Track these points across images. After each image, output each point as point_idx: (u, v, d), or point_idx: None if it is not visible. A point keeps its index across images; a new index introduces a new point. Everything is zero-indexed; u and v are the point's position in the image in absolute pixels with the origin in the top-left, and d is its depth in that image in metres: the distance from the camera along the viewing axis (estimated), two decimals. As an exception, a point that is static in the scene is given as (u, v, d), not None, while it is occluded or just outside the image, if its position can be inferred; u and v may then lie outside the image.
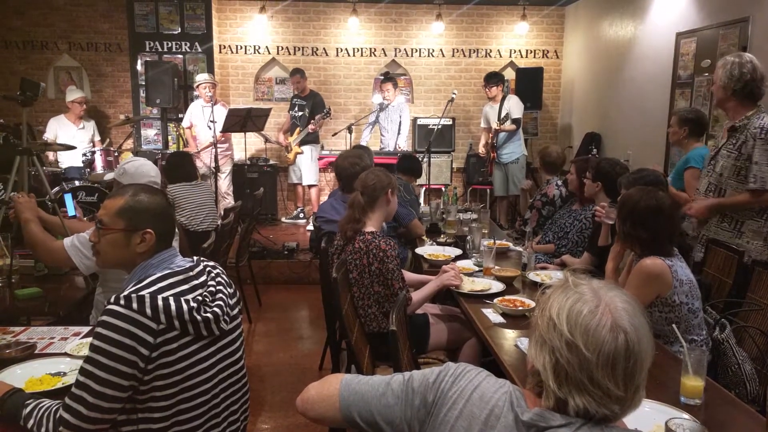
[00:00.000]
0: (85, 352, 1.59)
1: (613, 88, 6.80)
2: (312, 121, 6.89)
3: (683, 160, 3.85)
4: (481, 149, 7.08)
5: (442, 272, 2.97)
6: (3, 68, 7.52)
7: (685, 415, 1.69)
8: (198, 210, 4.66)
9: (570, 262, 3.49)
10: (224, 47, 7.89)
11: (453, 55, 8.16)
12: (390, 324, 2.04)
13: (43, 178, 3.81)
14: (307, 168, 7.13)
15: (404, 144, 7.32)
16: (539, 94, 7.77)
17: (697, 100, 5.07)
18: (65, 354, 2.05)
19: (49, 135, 6.48)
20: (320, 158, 7.33)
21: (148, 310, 1.51)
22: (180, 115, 7.35)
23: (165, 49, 7.51)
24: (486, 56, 8.19)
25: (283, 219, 7.66)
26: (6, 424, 1.60)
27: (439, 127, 7.18)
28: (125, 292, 1.54)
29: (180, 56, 7.52)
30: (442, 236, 4.23)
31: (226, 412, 1.72)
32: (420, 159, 5.62)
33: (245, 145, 7.13)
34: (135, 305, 1.51)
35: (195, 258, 1.76)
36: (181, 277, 1.64)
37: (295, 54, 7.96)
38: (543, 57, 8.25)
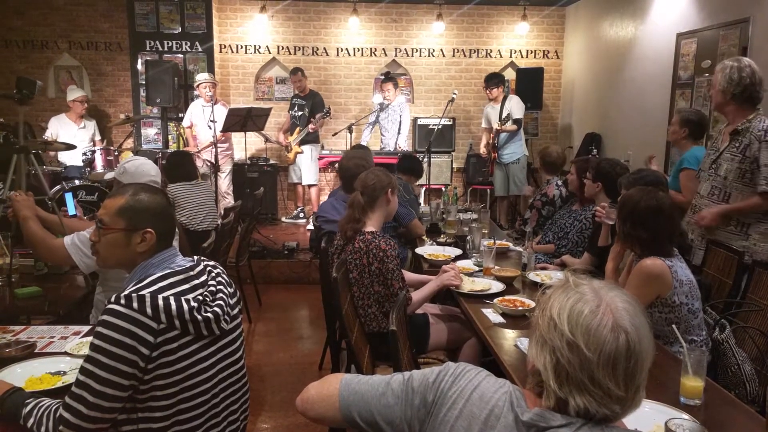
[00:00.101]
0: (85, 351, 1.59)
1: (614, 88, 6.80)
2: (312, 120, 6.89)
3: (679, 161, 3.87)
4: (483, 149, 7.08)
5: (442, 272, 2.97)
6: (3, 67, 7.52)
7: (685, 416, 1.69)
8: (198, 209, 4.66)
9: (570, 263, 3.49)
10: (224, 47, 7.89)
11: (453, 55, 8.16)
12: (390, 324, 2.04)
13: (41, 176, 3.80)
14: (307, 168, 7.13)
15: (404, 144, 7.32)
16: (539, 95, 7.77)
17: (698, 101, 5.07)
18: (65, 353, 2.05)
19: (49, 134, 6.48)
20: (320, 158, 7.33)
21: (149, 310, 1.51)
22: (180, 115, 7.36)
23: (165, 49, 7.51)
24: (486, 56, 8.19)
25: (283, 219, 7.66)
26: (6, 423, 1.60)
27: (440, 127, 7.18)
28: (126, 292, 1.54)
29: (180, 56, 7.52)
30: (442, 236, 4.23)
31: (226, 411, 1.72)
32: (420, 159, 5.62)
33: (245, 145, 7.13)
34: (135, 305, 1.51)
35: (195, 257, 1.76)
36: (181, 276, 1.64)
37: (295, 54, 7.96)
38: (543, 57, 8.25)
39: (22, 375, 1.88)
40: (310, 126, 6.89)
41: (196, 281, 1.66)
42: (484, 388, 1.22)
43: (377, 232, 2.85)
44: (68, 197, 5.09)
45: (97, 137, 6.93)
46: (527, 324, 2.44)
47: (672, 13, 5.57)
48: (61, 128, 6.58)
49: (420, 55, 8.14)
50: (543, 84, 7.80)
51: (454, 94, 6.70)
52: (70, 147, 5.04)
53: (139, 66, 7.48)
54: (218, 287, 1.70)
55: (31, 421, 1.54)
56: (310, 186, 7.26)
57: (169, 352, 1.53)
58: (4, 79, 7.51)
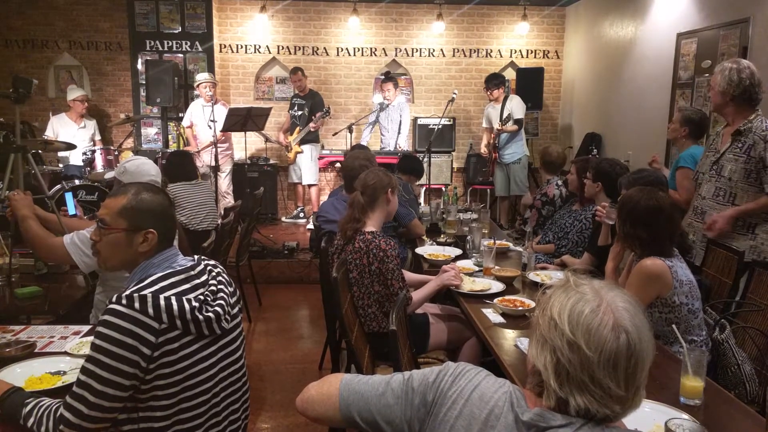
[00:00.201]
0: (85, 350, 1.59)
1: (614, 88, 6.80)
2: (313, 118, 6.89)
3: (676, 159, 3.88)
4: (483, 149, 7.07)
5: (442, 272, 2.98)
6: (3, 67, 7.52)
7: (685, 416, 1.69)
8: (198, 209, 4.66)
9: (570, 262, 3.49)
10: (225, 46, 7.89)
11: (453, 55, 8.16)
12: (390, 324, 2.04)
13: (39, 176, 3.81)
14: (307, 167, 7.13)
15: (404, 144, 7.33)
16: (540, 95, 7.77)
17: (698, 101, 5.07)
18: (65, 353, 2.05)
19: (49, 133, 6.48)
20: (320, 158, 7.33)
21: (150, 310, 1.51)
22: (180, 115, 7.36)
23: (165, 48, 7.51)
24: (486, 56, 8.19)
25: (283, 218, 7.66)
26: (6, 423, 1.60)
27: (440, 127, 7.18)
28: (127, 292, 1.54)
29: (180, 55, 7.52)
30: (442, 236, 4.23)
31: (227, 410, 1.72)
32: (420, 159, 5.62)
33: (245, 145, 7.13)
34: (137, 304, 1.51)
35: (196, 257, 1.76)
36: (182, 276, 1.64)
37: (295, 53, 7.96)
38: (543, 57, 8.25)
39: (22, 375, 1.88)
40: (311, 125, 6.89)
41: (197, 281, 1.66)
42: (484, 388, 1.22)
43: (377, 232, 2.85)
44: (68, 197, 5.09)
45: (98, 137, 6.94)
46: (527, 324, 2.44)
47: (672, 13, 5.57)
48: (61, 128, 6.59)
49: (420, 55, 8.14)
50: (543, 84, 7.80)
51: (454, 94, 6.71)
52: (70, 146, 5.04)
53: (139, 66, 7.48)
54: (219, 287, 1.70)
55: (32, 420, 1.53)
56: (310, 186, 7.27)
57: (171, 351, 1.53)
58: (3, 79, 7.51)
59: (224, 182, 7.03)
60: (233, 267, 4.88)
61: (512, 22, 8.08)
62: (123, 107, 7.78)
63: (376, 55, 8.08)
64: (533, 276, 3.13)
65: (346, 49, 8.03)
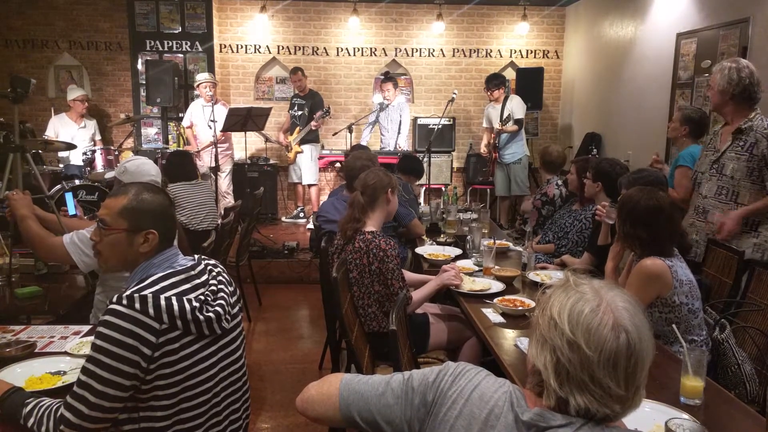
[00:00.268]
0: (85, 350, 1.59)
1: (614, 88, 6.80)
2: (314, 117, 6.90)
3: (676, 158, 3.89)
4: (483, 149, 7.07)
5: (442, 272, 2.98)
6: (3, 67, 7.52)
7: (685, 416, 1.69)
8: (198, 209, 4.66)
9: (570, 262, 3.49)
10: (225, 46, 7.89)
11: (453, 55, 8.16)
12: (390, 323, 2.04)
13: (38, 176, 3.80)
14: (308, 167, 7.13)
15: (404, 144, 7.33)
16: (540, 95, 7.77)
17: (697, 101, 5.07)
18: (65, 353, 2.05)
19: (49, 133, 6.48)
20: (320, 158, 7.33)
21: (151, 310, 1.51)
22: (180, 114, 7.36)
23: (165, 48, 7.51)
24: (486, 56, 8.19)
25: (284, 218, 7.67)
26: (6, 423, 1.60)
27: (440, 126, 7.18)
28: (127, 292, 1.54)
29: (180, 55, 7.52)
30: (442, 236, 4.23)
31: (228, 410, 1.72)
32: (420, 159, 5.62)
33: (245, 145, 7.13)
34: (137, 305, 1.51)
35: (196, 257, 1.76)
36: (182, 276, 1.64)
37: (295, 53, 7.96)
38: (543, 57, 8.25)
39: (22, 375, 1.88)
40: (313, 123, 6.90)
41: (197, 281, 1.66)
42: (483, 388, 1.22)
43: (377, 232, 2.85)
44: (68, 197, 5.09)
45: (98, 137, 6.94)
46: (527, 324, 2.45)
47: (672, 13, 5.57)
48: (61, 128, 6.59)
49: (420, 55, 8.14)
50: (543, 84, 7.80)
51: (454, 93, 6.70)
52: (70, 146, 5.04)
53: (140, 66, 7.48)
54: (219, 287, 1.70)
55: (32, 420, 1.53)
56: (310, 186, 7.27)
57: (171, 352, 1.53)
58: (3, 79, 7.51)
59: (224, 182, 7.03)
60: (233, 267, 4.88)
61: (512, 22, 8.08)
62: (123, 107, 7.78)
63: (376, 55, 8.08)
64: (533, 276, 3.13)
65: (346, 49, 8.03)
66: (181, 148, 7.04)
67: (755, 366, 2.38)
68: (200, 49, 7.51)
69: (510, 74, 8.06)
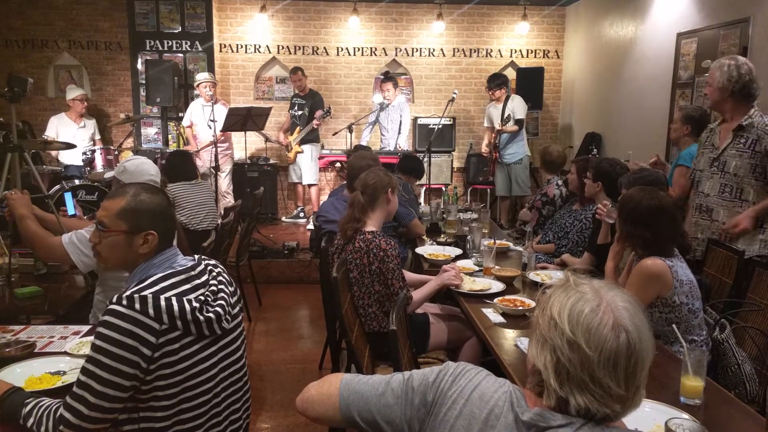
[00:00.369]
0: (85, 350, 1.59)
1: (614, 88, 6.80)
2: (315, 116, 6.90)
3: (677, 158, 3.90)
4: (484, 149, 7.07)
5: (442, 272, 2.97)
6: (3, 67, 7.51)
7: (685, 415, 1.69)
8: (198, 209, 4.66)
9: (570, 262, 3.49)
10: (225, 46, 7.89)
11: (454, 55, 8.16)
12: (390, 323, 2.04)
13: (37, 175, 3.80)
14: (308, 167, 7.13)
15: (405, 144, 7.33)
16: (540, 94, 7.77)
17: (698, 100, 5.06)
18: (65, 353, 2.05)
19: (49, 133, 6.48)
20: (320, 157, 7.33)
21: (151, 311, 1.51)
22: (180, 114, 7.36)
23: (165, 48, 7.51)
24: (487, 56, 8.19)
25: (284, 218, 7.66)
26: (6, 423, 1.59)
27: (440, 126, 7.18)
28: (127, 293, 1.54)
29: (180, 55, 7.52)
30: (442, 236, 4.23)
31: (228, 410, 1.71)
32: (420, 159, 5.61)
33: (245, 144, 7.13)
34: (137, 305, 1.50)
35: (196, 257, 1.76)
36: (183, 276, 1.64)
37: (295, 53, 7.96)
38: (544, 57, 8.25)
39: (21, 375, 1.88)
40: (314, 122, 6.90)
41: (198, 281, 1.66)
42: (484, 388, 1.22)
43: (377, 232, 2.85)
44: (67, 197, 5.09)
45: (97, 136, 6.93)
46: (527, 323, 2.44)
47: (672, 13, 5.57)
48: (61, 128, 6.58)
49: (420, 55, 8.13)
50: (543, 84, 7.80)
51: (455, 93, 6.70)
52: (69, 146, 5.04)
53: (139, 65, 7.48)
54: (219, 287, 1.70)
55: (31, 420, 1.53)
56: (310, 185, 7.26)
57: (171, 352, 1.53)
58: (3, 79, 7.50)
59: (224, 182, 7.03)
60: (233, 267, 4.88)
61: (512, 21, 8.08)
62: (123, 107, 7.78)
63: (376, 54, 8.08)
64: (533, 276, 3.13)
65: (346, 48, 8.03)
66: (180, 148, 7.03)
67: (755, 366, 2.38)
68: (200, 49, 7.50)
69: (510, 74, 8.05)
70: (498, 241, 3.50)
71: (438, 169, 7.47)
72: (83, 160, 6.17)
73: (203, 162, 6.74)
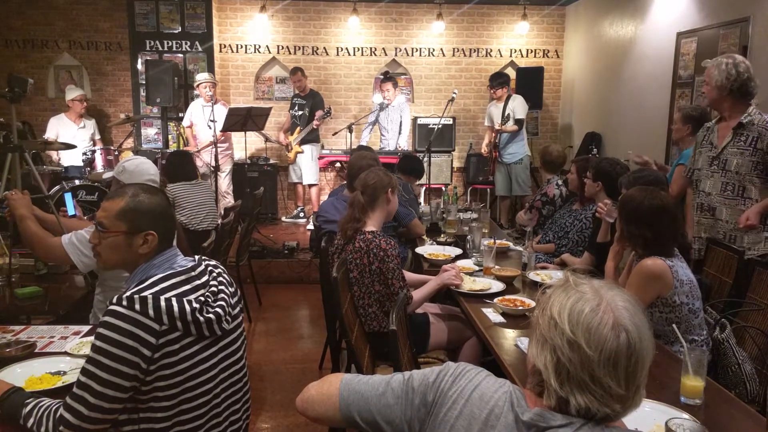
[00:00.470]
0: (85, 351, 1.58)
1: (614, 87, 6.80)
2: (315, 116, 6.90)
3: (678, 158, 3.91)
4: (484, 148, 7.07)
5: (442, 272, 2.97)
6: (3, 67, 7.51)
7: (686, 415, 1.69)
8: (198, 209, 4.66)
9: (570, 261, 3.49)
10: (224, 46, 7.89)
11: (453, 55, 8.16)
12: (390, 323, 2.04)
13: (37, 176, 3.80)
14: (308, 167, 7.13)
15: (405, 144, 7.32)
16: (540, 94, 7.77)
17: (698, 100, 5.06)
18: (65, 353, 2.05)
19: (50, 134, 6.48)
20: (320, 157, 7.33)
21: (151, 311, 1.50)
22: (180, 114, 7.36)
23: (165, 48, 7.51)
24: (486, 56, 8.19)
25: (284, 218, 7.66)
26: (6, 423, 1.59)
27: (440, 126, 7.18)
28: (127, 293, 1.53)
29: (180, 55, 7.52)
30: (442, 236, 4.23)
31: (228, 411, 1.71)
32: (420, 159, 5.61)
33: (245, 144, 7.13)
34: (137, 306, 1.50)
35: (196, 257, 1.76)
36: (183, 277, 1.64)
37: (295, 53, 7.96)
38: (543, 56, 8.25)
39: (22, 375, 1.88)
40: (315, 122, 6.90)
41: (198, 281, 1.65)
42: (484, 388, 1.22)
43: (377, 232, 2.85)
44: (67, 197, 5.09)
45: (97, 136, 6.93)
46: (527, 323, 2.44)
47: (672, 13, 5.57)
48: (61, 128, 6.58)
49: (420, 55, 8.13)
50: (543, 83, 7.80)
51: (454, 93, 6.70)
52: (69, 147, 5.04)
53: (139, 66, 7.48)
54: (219, 287, 1.70)
55: (31, 421, 1.53)
56: (310, 186, 7.26)
57: (171, 353, 1.53)
58: (4, 79, 7.50)
59: (224, 182, 7.03)
60: (233, 267, 4.88)
61: (512, 21, 8.08)
62: (123, 107, 7.78)
63: (376, 54, 8.08)
64: (533, 275, 3.13)
65: (346, 48, 8.03)
66: (180, 148, 7.03)
67: (755, 366, 2.38)
68: (200, 49, 7.50)
69: (510, 74, 8.04)
70: (498, 241, 3.50)
71: (438, 169, 7.47)
72: (83, 161, 6.17)
73: (203, 162, 6.74)
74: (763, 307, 2.65)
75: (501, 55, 8.18)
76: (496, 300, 2.72)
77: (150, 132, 7.69)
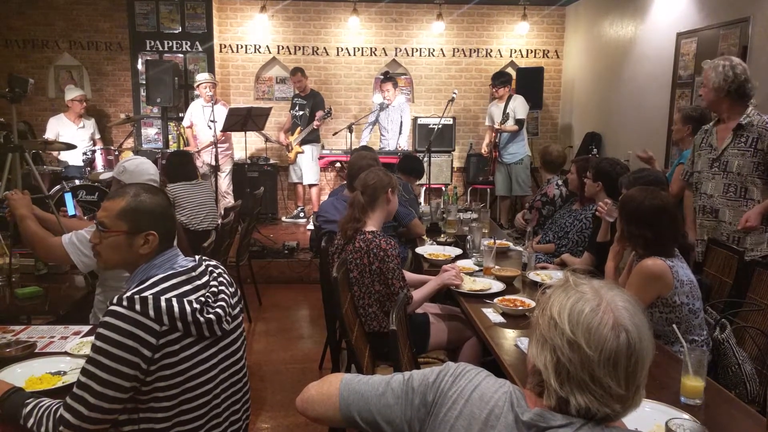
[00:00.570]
0: (86, 351, 1.58)
1: (614, 88, 6.80)
2: (316, 116, 6.90)
3: (678, 157, 3.92)
4: (485, 148, 7.07)
5: (442, 272, 2.97)
6: (3, 67, 7.51)
7: (686, 416, 1.69)
8: (198, 209, 4.66)
9: (570, 261, 3.49)
10: (225, 46, 7.89)
11: (453, 55, 8.16)
12: (390, 323, 2.04)
13: (37, 176, 3.80)
14: (308, 167, 7.13)
15: (405, 144, 7.32)
16: (540, 94, 7.77)
17: (698, 100, 5.06)
18: (65, 353, 2.05)
19: (49, 134, 6.48)
20: (321, 157, 7.33)
21: (151, 312, 1.50)
22: (180, 115, 7.36)
23: (165, 48, 7.51)
24: (486, 56, 8.19)
25: (284, 218, 7.66)
26: (6, 423, 1.59)
27: (440, 126, 7.18)
28: (128, 293, 1.53)
29: (180, 55, 7.52)
30: (442, 236, 4.23)
31: (228, 411, 1.71)
32: (420, 159, 5.61)
33: (245, 145, 7.13)
34: (138, 306, 1.50)
35: (197, 257, 1.76)
36: (183, 277, 1.63)
37: (295, 53, 7.96)
38: (543, 57, 8.25)
39: (22, 375, 1.88)
40: (315, 122, 6.91)
41: (198, 282, 1.65)
42: (484, 388, 1.22)
43: (378, 232, 2.85)
44: (68, 197, 5.08)
45: (97, 136, 6.94)
46: (527, 323, 2.45)
47: (672, 13, 5.57)
48: (60, 128, 6.58)
49: (420, 55, 8.13)
50: (543, 83, 7.80)
51: (454, 93, 6.70)
52: (70, 147, 5.04)
53: (140, 66, 7.48)
54: (220, 288, 1.70)
55: (32, 421, 1.53)
56: (311, 186, 7.26)
57: (172, 353, 1.53)
58: (4, 79, 7.50)
59: (224, 182, 7.03)
60: (233, 267, 4.88)
61: (512, 21, 8.08)
62: (123, 107, 7.78)
63: (376, 54, 8.08)
64: (533, 276, 3.13)
65: (346, 49, 8.03)
66: (181, 149, 7.04)
67: (755, 366, 2.38)
68: (200, 49, 7.50)
69: (510, 74, 8.05)
70: (498, 241, 3.50)
71: (438, 169, 7.47)
72: (84, 161, 6.18)
73: (203, 162, 6.74)
74: (764, 307, 2.65)
75: (501, 56, 8.18)
76: (496, 300, 2.72)
77: (150, 132, 7.69)
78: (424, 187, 6.80)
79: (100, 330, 1.50)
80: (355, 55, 8.05)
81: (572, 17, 8.06)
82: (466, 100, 8.20)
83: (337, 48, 8.01)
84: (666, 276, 2.30)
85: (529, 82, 7.65)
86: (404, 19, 8.02)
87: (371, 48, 8.05)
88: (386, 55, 8.07)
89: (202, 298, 1.61)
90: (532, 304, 2.63)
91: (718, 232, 3.24)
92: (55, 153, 6.52)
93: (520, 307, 2.63)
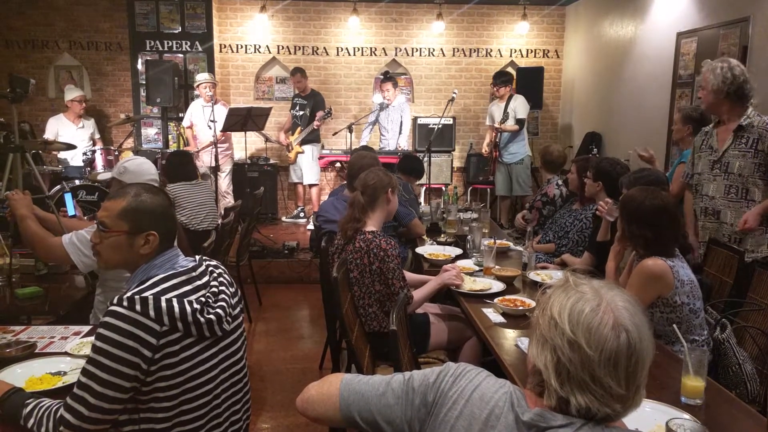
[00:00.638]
0: (86, 351, 1.58)
1: (614, 87, 6.80)
2: (316, 116, 6.90)
3: (679, 157, 3.92)
4: (485, 148, 7.07)
5: (443, 272, 2.97)
6: (3, 67, 7.51)
7: (686, 415, 1.69)
8: (198, 209, 4.66)
9: (570, 261, 3.49)
10: (225, 46, 7.89)
11: (453, 55, 8.16)
12: (390, 323, 2.04)
13: (38, 176, 3.80)
14: (308, 167, 7.13)
15: (405, 143, 7.32)
16: (540, 94, 7.77)
17: (698, 100, 5.06)
18: (65, 353, 2.05)
19: (49, 135, 6.48)
20: (321, 157, 7.33)
21: (152, 312, 1.50)
22: (180, 115, 7.36)
23: (165, 48, 7.51)
24: (486, 56, 8.19)
25: (284, 218, 7.66)
26: (6, 424, 1.59)
27: (440, 126, 7.18)
28: (128, 294, 1.53)
29: (180, 55, 7.52)
30: (442, 236, 4.23)
31: (228, 411, 1.71)
32: (420, 158, 5.61)
33: (245, 145, 7.13)
34: (138, 307, 1.50)
35: (197, 257, 1.76)
36: (184, 277, 1.63)
37: (295, 53, 7.96)
38: (543, 56, 8.25)
39: (22, 375, 1.88)
40: (315, 122, 6.91)
41: (199, 282, 1.65)
42: (484, 388, 1.22)
43: (378, 232, 2.85)
44: (67, 197, 5.08)
45: (97, 136, 6.94)
46: (527, 323, 2.44)
47: (672, 13, 5.57)
48: (60, 128, 6.58)
49: (420, 55, 8.13)
50: (543, 83, 7.80)
51: (454, 93, 6.69)
52: (70, 147, 5.04)
53: (140, 66, 7.48)
54: (220, 288, 1.70)
55: (32, 421, 1.53)
56: (311, 186, 7.26)
57: (172, 354, 1.53)
58: (4, 79, 7.50)
59: (224, 182, 7.03)
60: (233, 267, 4.88)
61: (512, 21, 8.08)
62: (123, 107, 7.78)
63: (376, 54, 8.08)
64: (533, 275, 3.13)
65: (346, 48, 8.03)
66: (181, 149, 7.03)
67: (756, 366, 2.38)
68: (200, 49, 7.50)
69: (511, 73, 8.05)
70: (498, 241, 3.50)
71: (438, 168, 7.47)
72: (84, 161, 6.17)
73: (203, 162, 6.73)
74: (764, 307, 2.65)
75: (501, 55, 8.18)
76: (496, 300, 2.72)
77: (150, 132, 7.69)
78: (424, 187, 6.80)
79: (101, 330, 1.50)
80: (355, 55, 8.05)
81: (572, 17, 8.06)
82: (466, 100, 8.20)
83: (337, 48, 8.01)
84: (666, 276, 2.30)
85: (529, 81, 7.65)
86: (404, 19, 8.02)
87: (371, 48, 8.05)
88: (386, 55, 8.07)
89: (203, 299, 1.61)
90: (533, 304, 2.63)
91: (719, 233, 3.24)
92: (55, 153, 6.52)
93: (521, 307, 2.63)
